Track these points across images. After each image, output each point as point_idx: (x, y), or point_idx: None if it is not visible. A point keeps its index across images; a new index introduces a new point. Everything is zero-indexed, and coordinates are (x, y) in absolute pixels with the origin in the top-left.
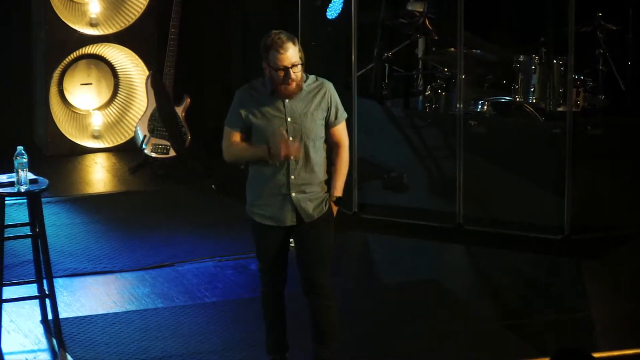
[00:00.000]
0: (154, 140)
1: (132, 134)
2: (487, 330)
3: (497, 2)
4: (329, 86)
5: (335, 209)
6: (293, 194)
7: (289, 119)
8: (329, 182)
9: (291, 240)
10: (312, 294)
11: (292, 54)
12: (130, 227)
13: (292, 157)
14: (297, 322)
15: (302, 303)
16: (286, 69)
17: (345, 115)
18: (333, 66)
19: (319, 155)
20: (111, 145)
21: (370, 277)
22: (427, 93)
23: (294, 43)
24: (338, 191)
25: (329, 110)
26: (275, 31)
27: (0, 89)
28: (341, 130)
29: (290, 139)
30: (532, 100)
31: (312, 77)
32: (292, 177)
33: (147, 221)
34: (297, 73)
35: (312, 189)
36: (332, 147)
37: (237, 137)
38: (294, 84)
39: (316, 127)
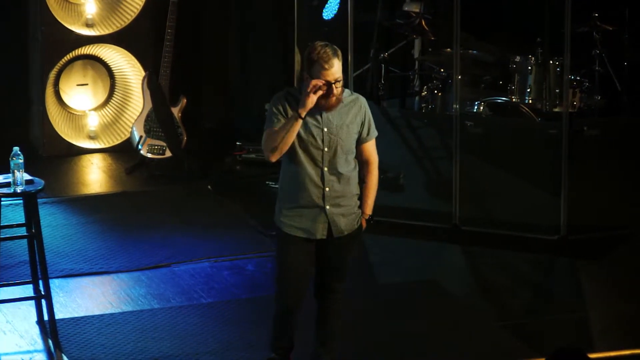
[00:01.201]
0: (150, 141)
1: (128, 135)
2: (484, 330)
3: (493, 3)
4: (364, 101)
5: (364, 226)
6: (327, 207)
7: (325, 130)
8: (360, 200)
9: None
10: (323, 297)
11: (336, 69)
12: (127, 227)
13: (317, 92)
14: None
15: (306, 304)
16: (329, 84)
17: (376, 133)
18: None
19: (350, 168)
20: (107, 145)
21: (367, 277)
22: (423, 93)
23: (339, 58)
24: (369, 209)
25: (362, 125)
26: (321, 43)
27: None
28: (372, 147)
29: (326, 149)
30: (529, 101)
31: (347, 91)
32: (327, 189)
33: (144, 222)
34: (339, 89)
35: (346, 202)
36: (362, 164)
37: None
38: (334, 99)
39: (350, 140)
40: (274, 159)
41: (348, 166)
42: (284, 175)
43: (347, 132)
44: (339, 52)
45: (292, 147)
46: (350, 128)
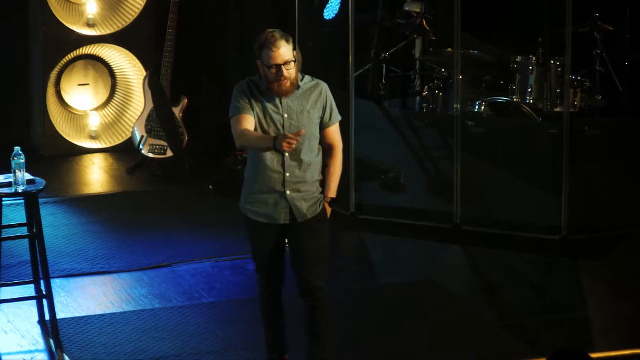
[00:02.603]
0: (151, 141)
1: (130, 135)
2: (485, 330)
3: (494, 3)
4: (325, 86)
5: (329, 210)
6: (288, 192)
7: (285, 116)
8: (323, 184)
9: (286, 241)
10: (307, 294)
11: (284, 51)
12: (128, 227)
13: (292, 145)
14: (298, 322)
15: (297, 305)
16: (278, 67)
17: (339, 117)
18: (330, 66)
19: (313, 155)
20: (108, 145)
21: (367, 277)
22: (424, 93)
23: (287, 41)
24: (332, 192)
25: (324, 109)
26: (270, 29)
27: None
28: (335, 132)
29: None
30: (530, 101)
31: (307, 77)
32: (287, 174)
33: (145, 221)
34: (289, 70)
35: (306, 187)
36: (325, 149)
37: (249, 120)
38: (287, 82)
39: (312, 126)
40: (240, 147)
41: (311, 152)
42: (248, 163)
43: (307, 118)
44: (289, 36)
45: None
46: (310, 113)
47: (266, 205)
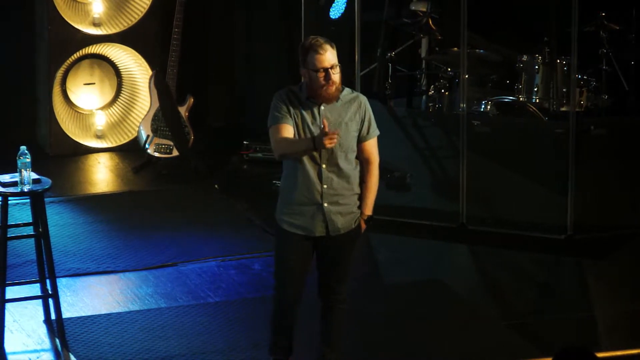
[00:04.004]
0: (157, 140)
1: (135, 134)
2: (490, 329)
3: (500, 2)
4: (364, 99)
5: (364, 227)
6: (325, 205)
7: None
8: (360, 200)
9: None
10: (327, 298)
11: (331, 55)
12: (133, 227)
13: (333, 140)
14: (301, 323)
15: (304, 305)
16: (326, 70)
17: (377, 132)
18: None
19: (351, 167)
20: (114, 145)
21: (373, 276)
22: (430, 93)
23: (331, 46)
24: (369, 209)
25: (362, 122)
26: (312, 36)
27: (3, 88)
28: (372, 146)
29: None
30: (536, 100)
31: (347, 89)
32: (325, 186)
33: (150, 221)
34: (336, 75)
35: (345, 200)
36: (362, 163)
37: (288, 130)
38: (333, 87)
39: (350, 138)
40: (280, 160)
41: (348, 165)
42: (285, 173)
43: (345, 130)
44: (332, 43)
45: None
46: (349, 126)
47: (303, 217)
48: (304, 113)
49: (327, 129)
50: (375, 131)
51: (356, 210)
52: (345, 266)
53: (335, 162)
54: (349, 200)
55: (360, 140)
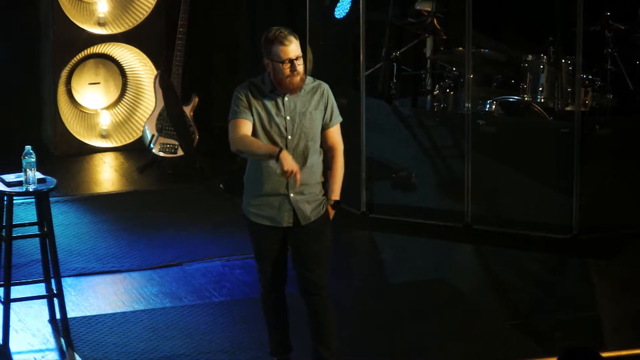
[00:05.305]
0: (162, 140)
1: (140, 134)
2: (496, 329)
3: (505, 2)
4: (326, 87)
5: (332, 212)
6: (291, 195)
7: (287, 118)
8: (326, 186)
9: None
10: (308, 294)
11: (295, 46)
12: (138, 226)
13: (289, 175)
14: (301, 321)
15: (300, 305)
16: (292, 61)
17: (340, 118)
18: (341, 65)
19: (315, 157)
20: (119, 144)
21: (378, 276)
22: (435, 92)
23: (295, 37)
24: (335, 195)
25: (325, 110)
26: (275, 27)
27: (8, 88)
28: (336, 133)
29: (289, 137)
30: (541, 100)
31: (309, 78)
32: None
33: (155, 220)
34: (301, 66)
35: (310, 190)
36: (326, 150)
37: (247, 126)
38: (298, 77)
39: (315, 127)
40: (234, 151)
41: (313, 154)
42: (249, 165)
43: (310, 119)
44: (295, 34)
45: (256, 136)
46: (313, 115)
47: (270, 208)
48: (268, 104)
49: (298, 179)
50: (337, 117)
51: (322, 197)
52: (320, 254)
53: (300, 153)
54: (313, 189)
55: (324, 127)
